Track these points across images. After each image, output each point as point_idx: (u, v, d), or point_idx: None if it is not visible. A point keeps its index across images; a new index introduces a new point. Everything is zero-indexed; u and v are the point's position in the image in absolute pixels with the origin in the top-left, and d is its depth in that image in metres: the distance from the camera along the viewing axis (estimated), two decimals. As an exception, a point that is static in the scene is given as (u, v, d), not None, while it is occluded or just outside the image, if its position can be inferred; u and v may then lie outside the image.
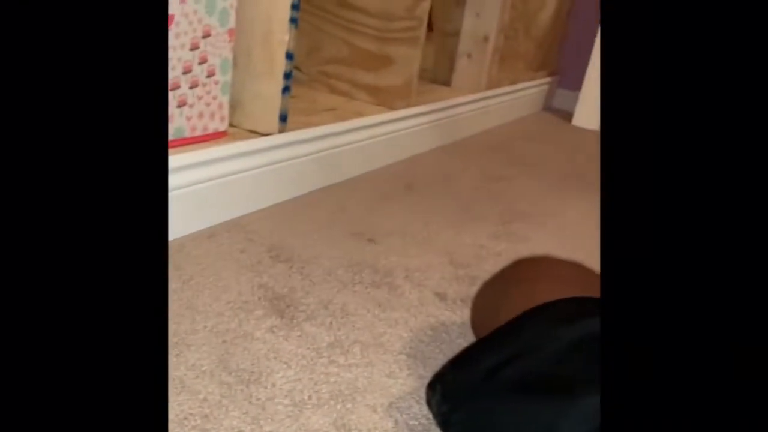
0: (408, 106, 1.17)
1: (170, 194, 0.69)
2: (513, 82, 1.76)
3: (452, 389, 0.44)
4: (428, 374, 0.54)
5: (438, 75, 1.56)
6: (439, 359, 0.57)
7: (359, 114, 1.07)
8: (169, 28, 0.65)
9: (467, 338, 0.62)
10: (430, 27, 1.42)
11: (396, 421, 0.48)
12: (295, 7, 0.78)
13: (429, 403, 0.46)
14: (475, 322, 0.58)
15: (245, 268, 0.68)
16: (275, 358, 0.54)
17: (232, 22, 0.73)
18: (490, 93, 1.58)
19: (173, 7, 0.65)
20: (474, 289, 0.72)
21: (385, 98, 1.16)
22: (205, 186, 0.74)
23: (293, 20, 0.78)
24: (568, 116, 1.99)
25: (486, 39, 1.49)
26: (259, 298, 0.63)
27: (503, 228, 0.94)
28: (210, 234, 0.75)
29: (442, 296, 0.70)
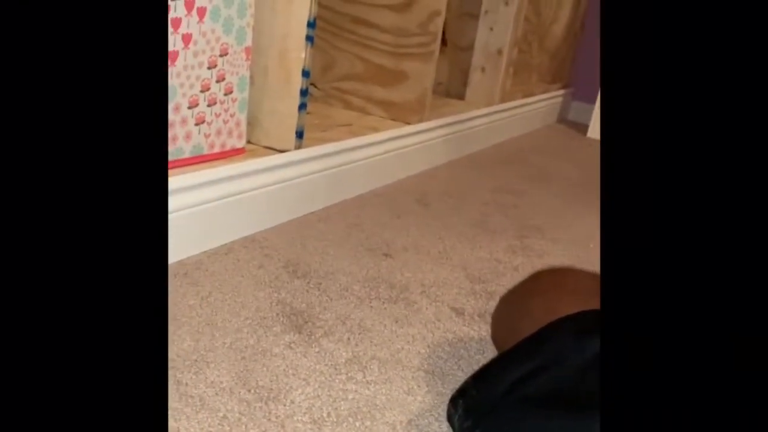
0: (422, 120, 1.17)
1: (188, 211, 0.69)
2: (527, 95, 1.76)
3: (475, 404, 0.44)
4: (447, 391, 0.54)
5: (452, 89, 1.56)
6: (457, 375, 0.57)
7: (374, 129, 1.07)
8: (187, 47, 0.66)
9: (486, 354, 0.61)
10: (443, 41, 1.43)
11: (416, 438, 0.48)
12: (310, 24, 0.78)
13: (451, 418, 0.46)
14: (496, 336, 0.58)
15: (263, 283, 0.68)
16: (294, 374, 0.53)
17: (248, 41, 0.74)
18: (503, 106, 1.58)
19: (191, 26, 0.66)
20: (491, 304, 0.71)
21: (400, 113, 1.17)
22: (223, 202, 0.74)
23: (309, 38, 0.79)
24: (583, 129, 1.99)
25: (499, 52, 1.50)
26: (277, 314, 0.62)
27: (519, 242, 0.93)
28: (227, 250, 0.75)
29: (459, 311, 0.69)
